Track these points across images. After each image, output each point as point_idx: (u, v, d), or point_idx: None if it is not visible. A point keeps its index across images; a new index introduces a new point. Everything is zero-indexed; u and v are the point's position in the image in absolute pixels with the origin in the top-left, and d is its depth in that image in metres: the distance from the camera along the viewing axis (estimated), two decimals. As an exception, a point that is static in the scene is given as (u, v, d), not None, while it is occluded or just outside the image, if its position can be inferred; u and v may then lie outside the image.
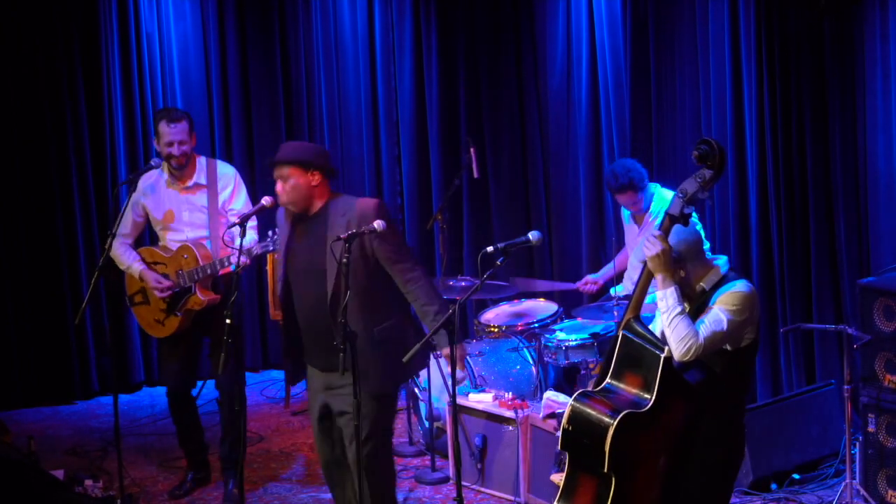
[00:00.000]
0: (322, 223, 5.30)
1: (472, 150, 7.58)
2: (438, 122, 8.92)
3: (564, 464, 6.00)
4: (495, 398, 6.58)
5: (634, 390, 4.44)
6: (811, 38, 7.07)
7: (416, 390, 7.21)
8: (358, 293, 5.17)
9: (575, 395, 4.52)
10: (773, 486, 6.35)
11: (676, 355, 4.42)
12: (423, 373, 7.01)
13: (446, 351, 5.20)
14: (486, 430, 6.55)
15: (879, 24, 6.86)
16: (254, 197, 8.78)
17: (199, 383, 7.63)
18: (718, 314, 4.48)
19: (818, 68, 7.08)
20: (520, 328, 7.21)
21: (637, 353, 4.47)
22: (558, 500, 4.53)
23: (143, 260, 6.39)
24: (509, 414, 6.40)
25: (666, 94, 7.91)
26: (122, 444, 6.44)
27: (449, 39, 8.83)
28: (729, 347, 4.53)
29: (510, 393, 6.59)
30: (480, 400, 6.61)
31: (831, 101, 7.07)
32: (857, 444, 6.09)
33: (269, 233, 5.86)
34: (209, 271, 6.21)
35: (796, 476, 6.42)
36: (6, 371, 8.59)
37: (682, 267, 4.59)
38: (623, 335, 4.53)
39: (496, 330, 7.25)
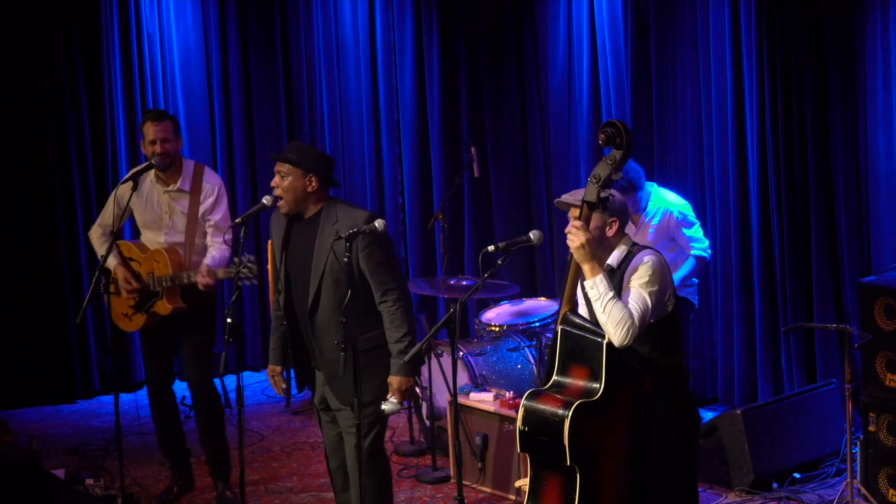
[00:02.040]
0: (313, 230, 5.31)
1: (473, 149, 7.59)
2: (439, 122, 8.93)
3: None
4: (496, 397, 6.59)
5: (583, 381, 4.46)
6: (812, 38, 7.07)
7: (417, 390, 7.21)
8: (341, 301, 5.18)
9: (525, 395, 4.53)
10: (775, 485, 6.35)
11: (616, 340, 4.42)
12: (424, 372, 7.02)
13: (396, 380, 5.23)
14: (488, 430, 6.56)
15: (880, 23, 6.86)
16: (254, 197, 8.89)
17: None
18: (639, 292, 4.49)
19: (819, 68, 7.08)
20: (521, 327, 7.21)
21: (579, 344, 4.49)
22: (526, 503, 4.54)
23: (120, 253, 6.40)
24: (510, 413, 6.41)
25: (667, 95, 7.92)
26: (123, 443, 6.45)
27: (450, 39, 8.85)
28: (653, 320, 4.52)
29: (511, 392, 6.59)
30: (481, 399, 6.62)
31: (832, 101, 7.07)
32: (858, 443, 6.09)
33: (236, 259, 5.59)
34: (175, 281, 6.22)
35: (797, 475, 6.42)
36: (7, 371, 8.60)
37: (611, 223, 4.60)
38: (562, 330, 4.55)
39: (497, 329, 7.25)
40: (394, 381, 5.24)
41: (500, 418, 6.48)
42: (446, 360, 6.89)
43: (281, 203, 5.33)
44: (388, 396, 5.20)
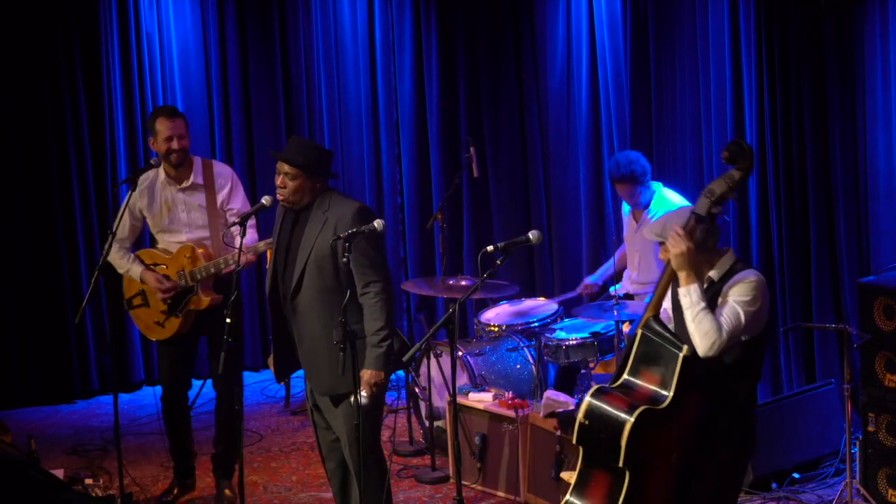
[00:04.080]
0: (305, 219, 5.32)
1: (472, 149, 7.58)
2: (438, 122, 8.93)
3: (565, 463, 6.02)
4: (495, 397, 6.58)
5: (652, 386, 4.48)
6: (811, 38, 7.07)
7: (417, 390, 7.21)
8: (325, 292, 5.17)
9: (592, 390, 4.55)
10: (774, 485, 6.35)
11: (701, 351, 4.43)
12: (423, 372, 7.02)
13: (367, 373, 5.20)
14: (486, 430, 6.56)
15: (879, 23, 6.86)
16: (254, 197, 8.87)
17: (199, 383, 7.64)
18: (735, 307, 4.48)
19: (818, 68, 7.08)
20: (520, 327, 7.21)
21: (655, 351, 4.50)
22: (570, 494, 4.56)
23: (143, 261, 6.38)
24: (509, 413, 6.41)
25: (666, 94, 7.92)
26: (122, 443, 6.43)
27: (449, 39, 8.84)
28: (745, 338, 4.52)
29: (510, 392, 6.59)
30: (480, 399, 6.61)
31: (831, 101, 7.07)
32: (857, 443, 6.09)
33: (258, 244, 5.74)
34: (212, 270, 6.21)
35: (796, 475, 6.42)
36: (6, 371, 8.60)
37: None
38: (642, 333, 4.56)
39: (496, 329, 7.24)
40: (364, 374, 5.20)
41: (499, 418, 6.48)
42: (445, 361, 6.89)
43: (285, 201, 5.33)
44: (360, 390, 5.17)
